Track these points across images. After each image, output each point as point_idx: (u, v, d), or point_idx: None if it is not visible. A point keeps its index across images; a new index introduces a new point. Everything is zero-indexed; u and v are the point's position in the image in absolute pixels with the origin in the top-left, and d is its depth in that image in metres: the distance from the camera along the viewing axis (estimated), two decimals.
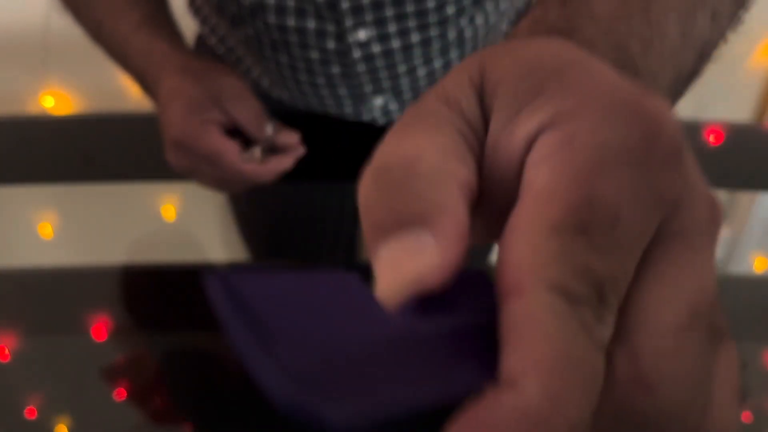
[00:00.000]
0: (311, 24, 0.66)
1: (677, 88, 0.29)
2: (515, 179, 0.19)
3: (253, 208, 0.91)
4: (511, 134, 0.19)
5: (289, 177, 0.68)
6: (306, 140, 0.68)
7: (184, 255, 1.02)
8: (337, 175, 0.85)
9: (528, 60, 0.19)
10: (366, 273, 0.18)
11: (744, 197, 1.36)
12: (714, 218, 0.18)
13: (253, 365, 0.15)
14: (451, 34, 0.69)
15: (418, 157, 0.18)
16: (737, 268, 1.19)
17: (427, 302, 0.17)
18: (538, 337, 0.15)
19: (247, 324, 0.15)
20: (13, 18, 1.46)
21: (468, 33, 0.71)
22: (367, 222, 0.18)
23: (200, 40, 0.81)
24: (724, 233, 1.29)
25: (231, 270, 0.16)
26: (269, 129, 0.66)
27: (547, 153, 0.17)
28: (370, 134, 0.79)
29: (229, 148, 0.64)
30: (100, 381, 0.68)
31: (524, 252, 0.16)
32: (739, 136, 0.92)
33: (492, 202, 0.20)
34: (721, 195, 1.37)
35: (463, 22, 0.69)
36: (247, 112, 0.65)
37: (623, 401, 0.17)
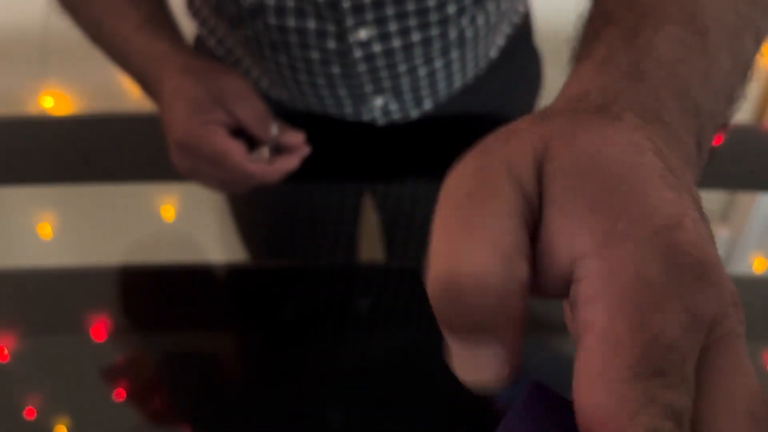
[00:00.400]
0: (311, 24, 0.66)
1: (728, 115, 0.31)
2: (558, 274, 0.22)
3: (253, 208, 0.91)
4: (556, 244, 0.21)
5: (289, 177, 0.68)
6: (306, 140, 0.68)
7: (184, 255, 1.02)
8: (337, 175, 0.85)
9: (587, 159, 0.22)
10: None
11: (744, 197, 1.35)
12: (740, 316, 0.21)
13: None
14: (452, 34, 0.69)
15: (487, 270, 0.21)
16: (737, 268, 1.19)
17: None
18: None
19: None
20: (12, 18, 1.46)
21: (469, 33, 0.71)
22: (441, 319, 0.21)
23: (199, 41, 0.81)
24: (724, 233, 1.29)
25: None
26: (274, 129, 0.66)
27: (597, 288, 0.20)
28: (370, 134, 0.80)
29: (236, 149, 0.63)
30: (100, 381, 0.68)
31: (612, 400, 0.18)
32: (739, 136, 0.92)
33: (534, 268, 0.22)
34: (721, 195, 1.37)
35: (464, 21, 0.69)
36: (252, 112, 0.65)
37: None
